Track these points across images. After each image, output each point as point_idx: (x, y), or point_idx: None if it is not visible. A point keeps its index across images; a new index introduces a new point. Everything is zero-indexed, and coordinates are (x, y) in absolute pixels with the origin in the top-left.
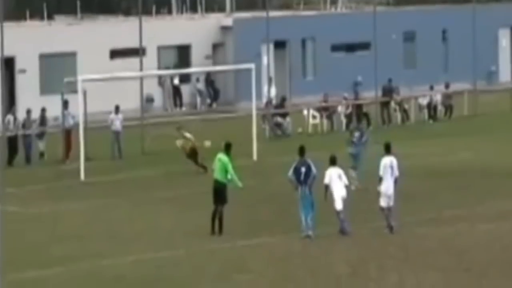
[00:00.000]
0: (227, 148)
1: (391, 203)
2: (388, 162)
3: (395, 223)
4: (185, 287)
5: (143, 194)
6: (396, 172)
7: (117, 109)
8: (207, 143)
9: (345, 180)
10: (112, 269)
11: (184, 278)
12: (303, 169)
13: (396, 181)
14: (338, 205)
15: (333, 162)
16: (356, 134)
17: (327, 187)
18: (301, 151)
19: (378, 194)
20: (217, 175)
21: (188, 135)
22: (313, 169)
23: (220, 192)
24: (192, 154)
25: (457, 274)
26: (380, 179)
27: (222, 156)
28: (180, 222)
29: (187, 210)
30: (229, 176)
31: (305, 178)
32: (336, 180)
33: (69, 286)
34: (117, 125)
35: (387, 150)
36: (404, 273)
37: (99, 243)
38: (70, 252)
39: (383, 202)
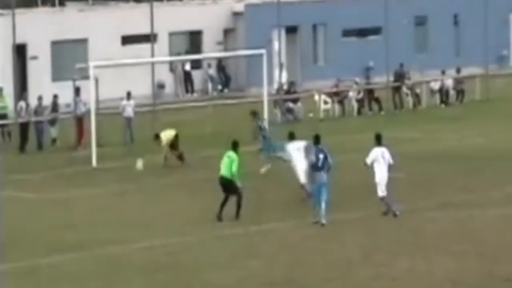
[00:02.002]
0: (235, 146)
1: (385, 192)
2: (379, 153)
3: (384, 210)
4: (196, 273)
5: (155, 180)
6: (391, 161)
7: (128, 95)
8: (139, 164)
9: (305, 146)
10: (124, 255)
11: (196, 264)
12: (321, 156)
13: (389, 168)
14: (302, 178)
15: (291, 136)
16: (262, 126)
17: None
18: (316, 139)
19: (378, 181)
20: (223, 171)
21: (164, 137)
22: (329, 159)
23: (228, 187)
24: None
25: (470, 258)
26: (364, 164)
27: (231, 154)
28: (191, 208)
29: (199, 196)
30: (233, 169)
31: (323, 164)
32: (296, 154)
33: (81, 272)
34: (129, 111)
35: (378, 141)
36: (416, 258)
37: (111, 229)
38: (82, 238)
39: (381, 192)
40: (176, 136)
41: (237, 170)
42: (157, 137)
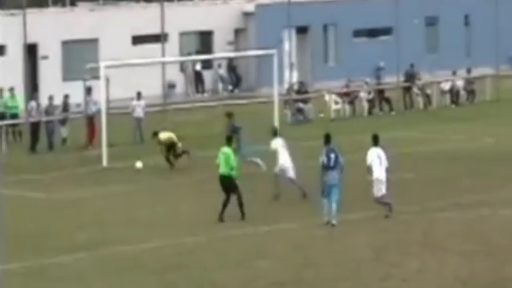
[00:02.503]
0: (229, 141)
1: (384, 191)
2: (374, 154)
3: (389, 212)
4: (206, 274)
5: (164, 180)
6: (386, 163)
7: (138, 95)
8: (139, 164)
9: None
10: (133, 255)
11: (205, 265)
12: (332, 155)
13: (386, 171)
14: (292, 173)
15: (275, 133)
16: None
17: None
18: (327, 139)
19: (370, 184)
20: (222, 169)
21: (163, 136)
22: (340, 158)
23: (228, 185)
24: (171, 146)
25: (480, 259)
26: (369, 169)
27: (225, 149)
28: (201, 208)
29: (208, 196)
30: (232, 163)
31: (335, 164)
32: (282, 150)
33: (91, 271)
34: (139, 111)
35: (375, 142)
36: (426, 258)
37: (120, 229)
38: (92, 238)
39: (377, 192)
40: (176, 139)
41: (235, 165)
42: (155, 134)
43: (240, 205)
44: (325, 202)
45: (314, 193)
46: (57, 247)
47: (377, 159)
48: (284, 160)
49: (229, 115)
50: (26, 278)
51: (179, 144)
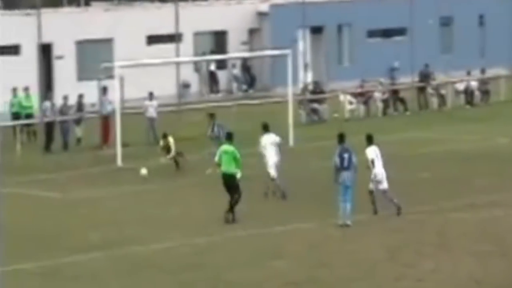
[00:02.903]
0: (230, 138)
1: (385, 186)
2: (373, 152)
3: (396, 201)
4: (220, 273)
5: (178, 179)
6: (381, 161)
7: (151, 95)
8: (143, 171)
9: (277, 143)
10: (147, 254)
11: (220, 264)
12: (345, 155)
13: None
14: (272, 172)
15: (265, 128)
16: (215, 129)
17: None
18: (341, 138)
19: (373, 177)
20: (225, 167)
21: (171, 140)
22: (354, 158)
23: (231, 184)
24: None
25: (495, 259)
26: (372, 162)
27: (227, 148)
28: (215, 208)
29: (222, 196)
30: (238, 162)
31: (348, 164)
32: (270, 147)
33: (105, 271)
34: (151, 111)
35: (370, 141)
36: (441, 259)
37: (135, 228)
38: (106, 238)
39: (381, 186)
40: (173, 144)
41: (240, 162)
42: (164, 136)
43: (234, 205)
44: (341, 204)
45: (328, 193)
46: (71, 246)
47: (375, 156)
48: (269, 157)
49: (211, 115)
50: (41, 278)
51: (172, 150)
